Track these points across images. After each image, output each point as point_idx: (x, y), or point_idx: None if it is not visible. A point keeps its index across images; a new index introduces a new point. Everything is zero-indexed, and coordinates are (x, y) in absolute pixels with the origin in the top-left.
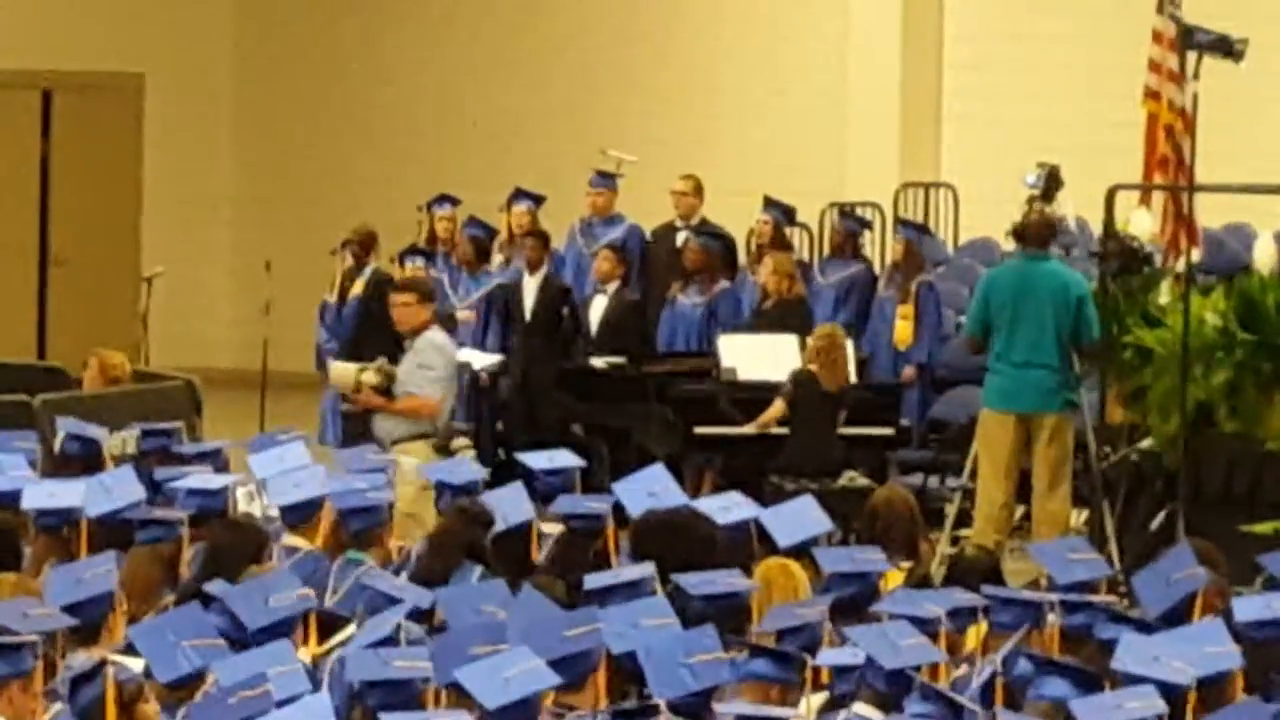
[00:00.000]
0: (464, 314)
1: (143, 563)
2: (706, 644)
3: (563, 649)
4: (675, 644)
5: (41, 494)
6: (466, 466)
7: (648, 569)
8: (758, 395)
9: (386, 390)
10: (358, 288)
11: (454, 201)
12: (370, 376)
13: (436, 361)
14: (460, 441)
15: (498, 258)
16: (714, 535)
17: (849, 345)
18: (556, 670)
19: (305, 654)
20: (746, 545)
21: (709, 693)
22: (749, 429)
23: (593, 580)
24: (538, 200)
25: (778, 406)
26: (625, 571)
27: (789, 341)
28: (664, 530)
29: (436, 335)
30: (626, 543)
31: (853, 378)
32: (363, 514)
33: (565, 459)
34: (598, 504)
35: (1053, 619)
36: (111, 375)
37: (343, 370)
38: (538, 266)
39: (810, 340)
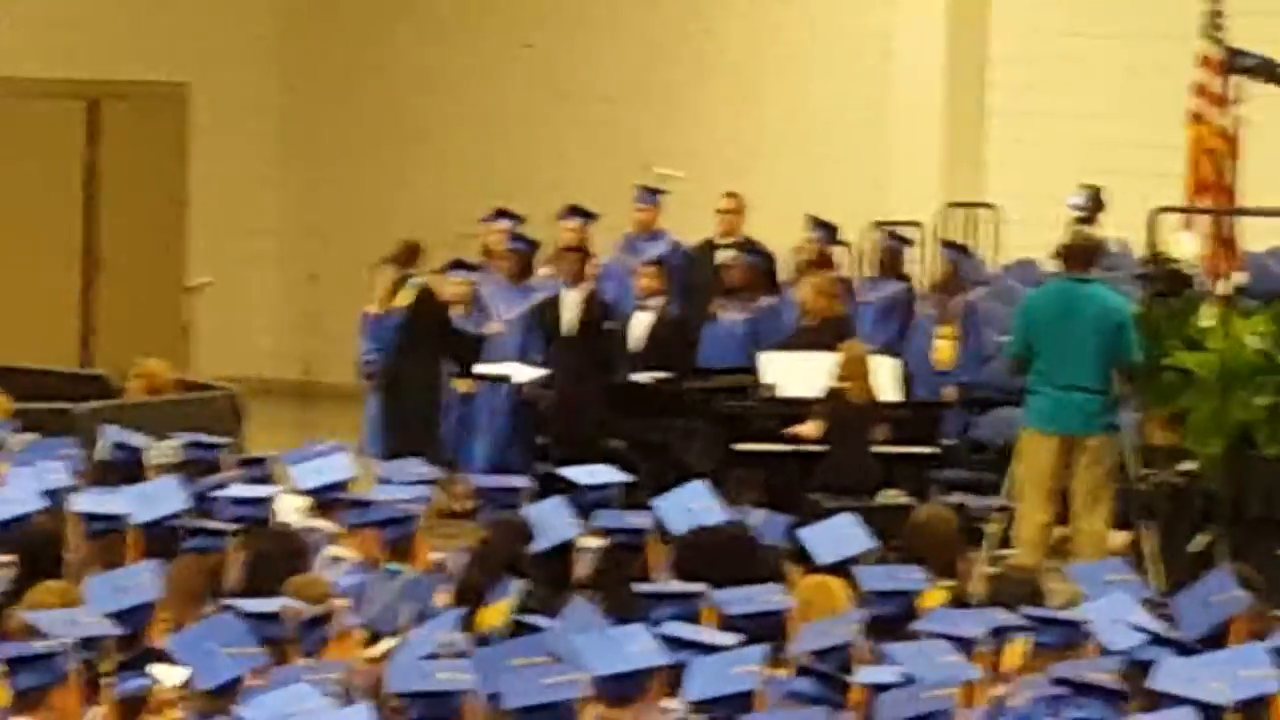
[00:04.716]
0: (494, 327)
1: (187, 572)
2: (750, 656)
3: (619, 665)
4: (722, 656)
5: (91, 500)
6: (511, 478)
7: (699, 586)
8: (798, 412)
9: None
10: (402, 299)
11: (513, 217)
12: None
13: None
14: None
15: (545, 270)
16: (759, 554)
17: (894, 362)
18: (610, 686)
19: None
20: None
21: (743, 700)
22: (785, 434)
23: (643, 587)
24: (589, 216)
25: (811, 426)
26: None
27: (830, 359)
28: (710, 548)
29: None
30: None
31: (897, 395)
32: (398, 523)
33: (609, 474)
34: (640, 519)
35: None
36: (155, 385)
37: None
38: (576, 280)
39: (837, 358)
